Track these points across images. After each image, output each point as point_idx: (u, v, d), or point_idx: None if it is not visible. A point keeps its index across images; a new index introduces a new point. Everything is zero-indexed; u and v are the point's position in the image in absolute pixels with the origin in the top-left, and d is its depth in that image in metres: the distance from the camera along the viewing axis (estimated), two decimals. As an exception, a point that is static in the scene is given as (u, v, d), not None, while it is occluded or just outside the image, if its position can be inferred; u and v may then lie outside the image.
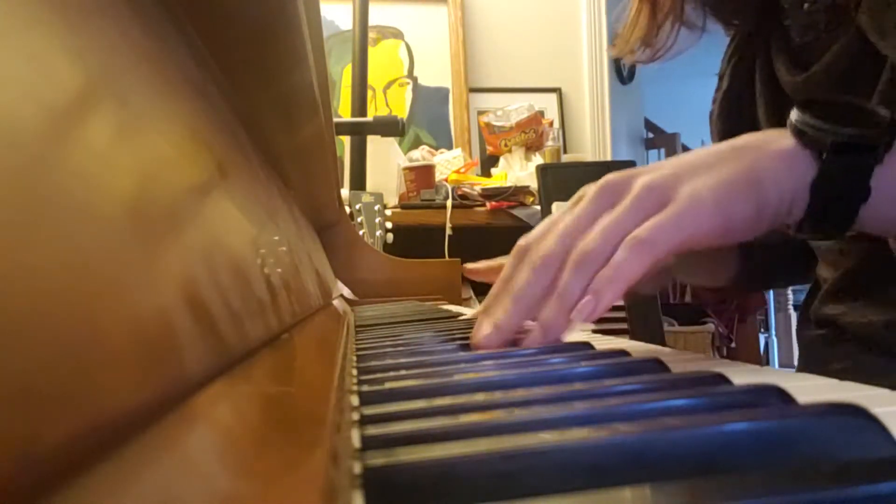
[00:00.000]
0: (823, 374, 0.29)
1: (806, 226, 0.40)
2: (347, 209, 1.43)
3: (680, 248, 0.37)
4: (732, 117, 0.67)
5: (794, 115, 0.41)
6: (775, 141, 0.41)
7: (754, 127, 0.64)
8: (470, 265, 0.59)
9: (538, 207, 1.92)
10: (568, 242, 0.39)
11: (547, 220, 0.43)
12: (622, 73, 2.77)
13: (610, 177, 0.41)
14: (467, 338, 0.44)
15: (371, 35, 2.22)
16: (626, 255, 0.37)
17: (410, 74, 2.48)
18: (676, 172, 0.39)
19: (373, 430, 0.19)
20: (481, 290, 1.66)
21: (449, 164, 2.14)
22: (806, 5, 0.58)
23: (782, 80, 0.61)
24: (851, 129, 0.39)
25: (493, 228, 1.90)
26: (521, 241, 0.43)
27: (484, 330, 0.40)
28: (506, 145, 2.24)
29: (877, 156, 0.39)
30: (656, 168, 0.40)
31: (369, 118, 1.77)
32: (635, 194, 0.39)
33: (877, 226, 0.42)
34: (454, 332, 0.49)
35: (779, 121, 0.61)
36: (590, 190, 0.41)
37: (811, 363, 0.65)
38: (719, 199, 0.38)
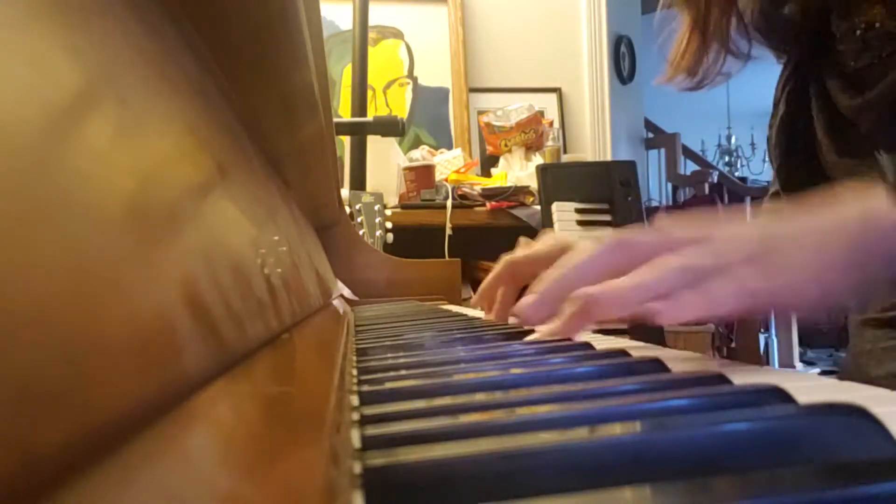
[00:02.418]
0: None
1: None
2: (347, 209, 1.43)
3: (768, 310, 0.36)
4: (791, 143, 0.67)
5: (892, 171, 0.39)
6: (872, 210, 0.38)
7: (813, 149, 0.64)
8: (474, 301, 0.58)
9: (538, 207, 1.92)
10: (652, 243, 0.38)
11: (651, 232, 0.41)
12: (622, 73, 2.77)
13: (696, 225, 0.39)
14: (468, 337, 0.44)
15: (371, 35, 2.22)
16: (724, 288, 0.35)
17: (410, 74, 2.48)
18: (771, 234, 0.37)
19: (373, 430, 0.19)
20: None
21: (449, 164, 2.14)
22: (858, 32, 0.58)
23: (839, 105, 0.61)
24: None
25: (493, 228, 1.90)
26: (619, 234, 0.41)
27: (526, 298, 0.39)
28: (506, 145, 2.24)
29: None
30: (747, 233, 0.38)
31: (369, 118, 1.77)
32: (737, 233, 0.37)
33: None
34: (454, 332, 0.49)
35: (839, 144, 0.62)
36: (677, 226, 0.39)
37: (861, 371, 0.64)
38: (819, 269, 0.36)
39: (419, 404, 0.22)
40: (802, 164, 0.66)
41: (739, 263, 0.36)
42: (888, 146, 0.56)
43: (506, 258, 0.58)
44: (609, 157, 2.54)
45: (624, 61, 2.77)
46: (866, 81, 0.58)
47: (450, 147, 2.38)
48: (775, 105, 0.68)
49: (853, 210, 0.39)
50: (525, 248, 0.58)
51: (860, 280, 0.37)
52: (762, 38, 0.66)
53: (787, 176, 0.68)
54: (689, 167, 4.75)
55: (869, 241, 0.37)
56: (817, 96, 0.64)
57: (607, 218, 1.83)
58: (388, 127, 1.60)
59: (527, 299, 0.38)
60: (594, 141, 2.56)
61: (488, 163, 2.33)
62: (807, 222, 0.39)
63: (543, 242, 0.62)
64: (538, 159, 2.17)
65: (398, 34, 2.48)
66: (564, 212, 1.81)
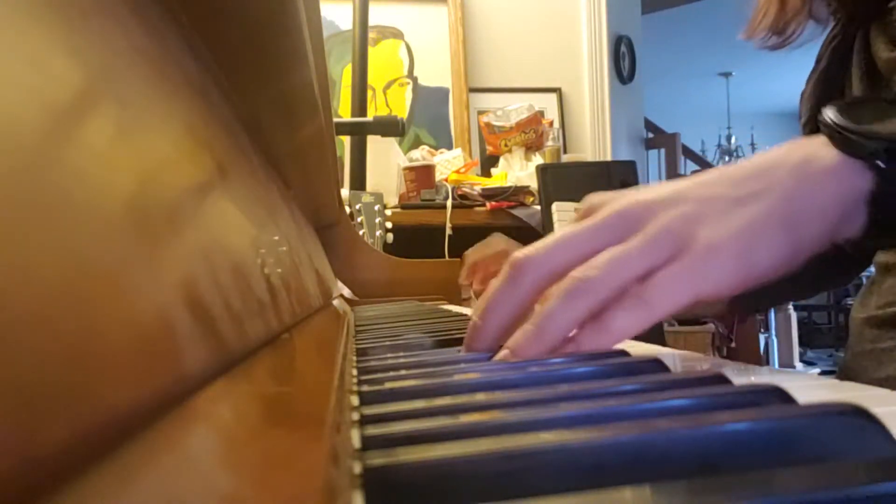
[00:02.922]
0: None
1: (868, 241, 0.37)
2: (347, 209, 1.43)
3: (685, 306, 0.34)
4: (825, 96, 0.66)
5: (830, 117, 0.38)
6: (813, 158, 0.37)
7: None
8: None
9: (538, 207, 1.92)
10: (565, 259, 0.36)
11: (549, 237, 0.39)
12: (622, 73, 2.77)
13: (628, 204, 0.37)
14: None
15: (371, 35, 2.22)
16: (622, 314, 0.34)
17: (410, 74, 2.48)
18: (697, 211, 0.35)
19: (373, 430, 0.19)
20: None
21: (449, 164, 2.14)
22: None
23: (879, 58, 0.60)
24: None
25: (493, 228, 1.90)
26: (518, 254, 0.39)
27: (465, 345, 0.38)
28: (506, 145, 2.24)
29: None
30: (676, 200, 0.36)
31: (369, 118, 1.77)
32: (651, 234, 0.35)
33: None
34: (454, 332, 0.49)
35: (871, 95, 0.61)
36: (603, 211, 0.38)
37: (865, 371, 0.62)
38: (741, 250, 0.35)
39: (419, 404, 0.22)
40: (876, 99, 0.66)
41: (647, 253, 0.34)
42: None
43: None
44: (609, 157, 2.54)
45: (624, 61, 2.77)
46: None
47: (450, 147, 2.38)
48: (818, 60, 0.68)
49: (781, 156, 0.38)
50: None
51: (793, 242, 0.35)
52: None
53: (812, 132, 0.68)
54: (689, 167, 4.75)
55: (802, 185, 0.36)
56: (859, 50, 0.63)
57: (607, 218, 1.83)
58: (388, 127, 1.60)
59: (466, 346, 0.37)
60: (594, 141, 2.56)
61: (488, 163, 2.33)
62: (733, 177, 0.37)
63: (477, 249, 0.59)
64: (538, 159, 2.17)
65: (398, 34, 2.48)
66: (564, 212, 1.81)
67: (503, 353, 0.34)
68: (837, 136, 0.37)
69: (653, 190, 0.38)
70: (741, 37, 0.71)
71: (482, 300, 0.38)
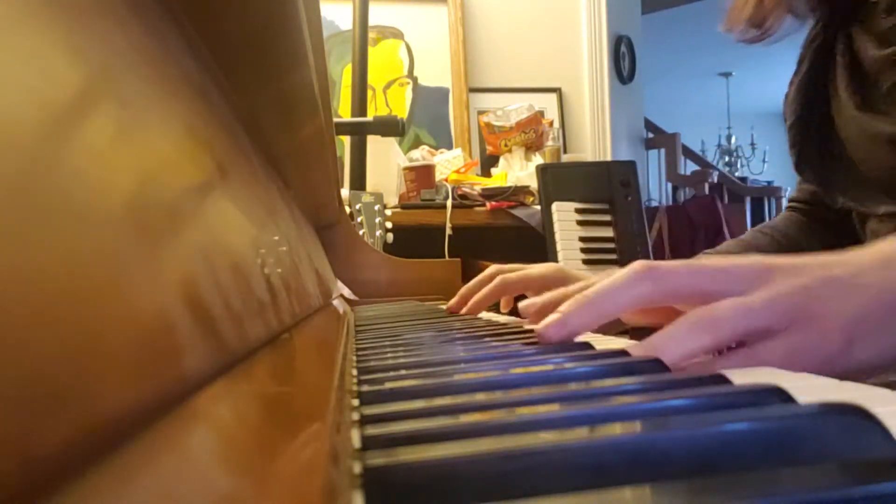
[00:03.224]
0: None
1: None
2: (347, 209, 1.43)
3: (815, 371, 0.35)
4: (807, 100, 0.66)
5: None
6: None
7: (828, 109, 0.64)
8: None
9: (538, 207, 1.92)
10: (693, 283, 0.37)
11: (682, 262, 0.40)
12: (622, 73, 2.77)
13: (758, 260, 0.38)
14: (468, 337, 0.44)
15: (371, 35, 2.22)
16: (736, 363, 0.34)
17: (410, 74, 2.48)
18: (818, 288, 0.36)
19: (373, 430, 0.19)
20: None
21: (449, 164, 2.14)
22: None
23: (866, 57, 0.60)
24: None
25: (493, 228, 1.90)
26: (646, 262, 0.40)
27: (551, 316, 0.39)
28: (506, 145, 2.24)
29: None
30: (797, 271, 0.37)
31: (369, 118, 1.77)
32: (775, 296, 0.35)
33: None
34: (454, 331, 0.49)
35: (858, 96, 0.61)
36: (725, 262, 0.38)
37: None
38: (848, 339, 0.35)
39: (419, 404, 0.22)
40: (816, 122, 0.65)
41: (770, 312, 0.35)
42: None
43: (499, 276, 0.58)
44: (609, 157, 2.54)
45: (624, 61, 2.77)
46: (893, 37, 0.58)
47: (450, 147, 2.38)
48: (799, 63, 0.68)
49: (875, 266, 0.37)
50: (519, 270, 0.59)
51: (891, 342, 0.35)
52: None
53: (798, 134, 0.67)
54: (689, 167, 4.75)
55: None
56: (842, 51, 0.63)
57: (607, 218, 1.83)
58: (388, 127, 1.60)
59: (550, 318, 0.38)
60: (594, 141, 2.56)
61: (488, 163, 2.33)
62: (851, 259, 0.37)
63: (539, 267, 0.63)
64: (538, 159, 2.17)
65: (398, 34, 2.48)
66: (564, 212, 1.81)
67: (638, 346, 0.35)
68: None
69: (776, 258, 0.39)
70: (720, 28, 0.71)
71: (596, 286, 0.39)
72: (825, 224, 0.79)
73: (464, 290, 0.69)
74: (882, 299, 0.35)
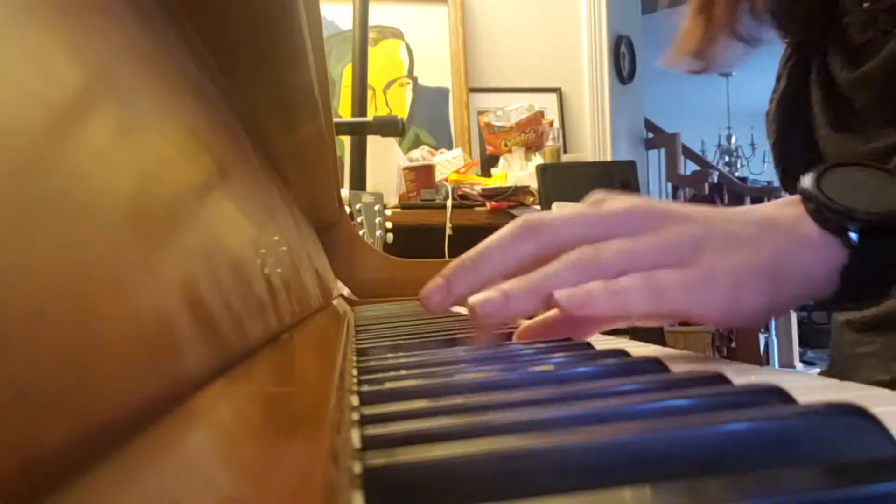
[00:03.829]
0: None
1: (833, 305, 0.39)
2: (347, 209, 1.43)
3: (678, 315, 0.35)
4: (788, 117, 0.66)
5: (807, 188, 0.39)
6: (800, 224, 0.38)
7: (809, 128, 0.64)
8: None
9: (538, 207, 1.92)
10: (576, 234, 0.37)
11: (562, 211, 0.40)
12: (622, 73, 2.77)
13: (644, 203, 0.39)
14: (468, 338, 0.44)
15: (371, 35, 2.22)
16: (636, 287, 0.34)
17: (410, 74, 2.48)
18: (704, 235, 0.37)
19: (373, 430, 0.19)
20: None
21: (449, 164, 2.14)
22: (866, 4, 0.58)
23: (837, 77, 0.60)
24: (878, 207, 0.37)
25: (493, 228, 1.88)
26: (532, 215, 0.39)
27: (433, 282, 0.38)
28: (506, 145, 2.24)
29: None
30: (687, 218, 0.38)
31: (369, 118, 1.77)
32: (664, 239, 0.36)
33: None
34: (454, 332, 0.49)
35: (833, 118, 0.61)
36: (617, 203, 0.39)
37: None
38: (736, 285, 0.36)
39: (419, 404, 0.22)
40: (798, 140, 0.65)
41: (652, 257, 0.36)
42: (882, 119, 0.56)
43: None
44: (609, 157, 2.54)
45: (624, 61, 2.77)
46: (866, 55, 0.57)
47: (450, 147, 2.38)
48: (778, 80, 0.68)
49: (779, 214, 0.39)
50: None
51: (772, 298, 0.37)
52: (772, 20, 0.65)
53: (782, 152, 0.67)
54: (689, 167, 4.75)
55: (788, 245, 0.37)
56: (817, 70, 0.63)
57: (607, 218, 1.83)
58: (388, 127, 1.60)
59: (433, 283, 0.37)
60: (594, 141, 2.56)
61: (488, 163, 2.33)
62: (735, 220, 0.38)
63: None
64: (538, 159, 2.17)
65: (398, 34, 2.48)
66: (564, 212, 1.81)
67: (482, 296, 0.35)
68: (813, 210, 0.38)
69: (663, 202, 0.40)
70: (660, 63, 0.70)
71: (477, 247, 0.39)
72: None
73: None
74: (757, 259, 0.37)
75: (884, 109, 0.56)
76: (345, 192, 1.53)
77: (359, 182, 1.87)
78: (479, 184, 2.04)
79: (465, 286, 0.37)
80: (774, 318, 0.38)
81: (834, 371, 0.64)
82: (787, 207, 0.39)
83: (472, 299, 0.35)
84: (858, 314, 0.62)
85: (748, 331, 2.65)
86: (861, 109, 0.58)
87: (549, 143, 2.27)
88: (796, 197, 0.40)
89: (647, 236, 0.37)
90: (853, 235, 0.37)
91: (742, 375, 0.25)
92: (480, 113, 2.37)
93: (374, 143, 1.92)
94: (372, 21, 2.07)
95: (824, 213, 0.38)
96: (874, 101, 0.57)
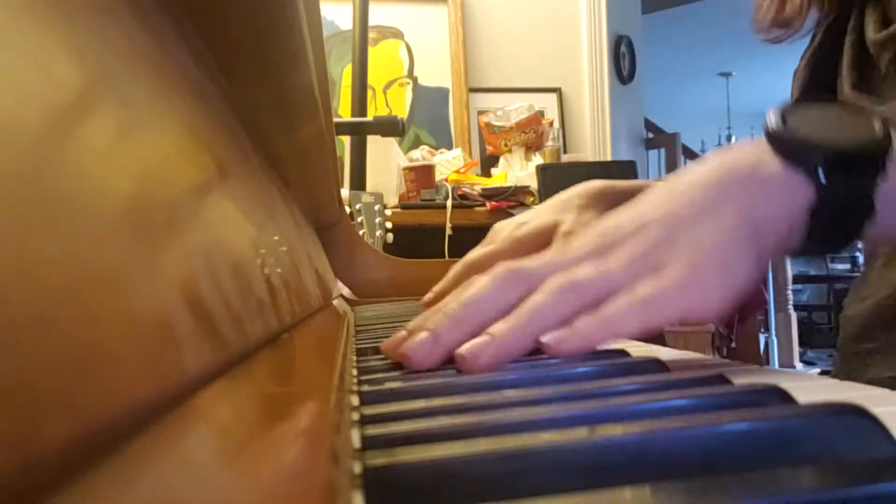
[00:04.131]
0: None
1: (806, 250, 0.36)
2: (347, 209, 1.43)
3: (678, 320, 0.33)
4: (817, 73, 0.65)
5: (771, 122, 0.36)
6: (760, 166, 0.35)
7: (833, 87, 0.62)
8: (426, 299, 0.53)
9: (538, 207, 1.92)
10: (544, 268, 0.35)
11: (502, 237, 0.38)
12: (622, 73, 2.77)
13: (602, 227, 0.36)
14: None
15: (371, 35, 2.22)
16: (626, 309, 0.32)
17: (410, 74, 2.48)
18: (666, 235, 0.34)
19: (373, 430, 0.19)
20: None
21: (449, 164, 2.14)
22: None
23: (868, 39, 0.59)
24: (846, 139, 0.35)
25: (493, 228, 1.90)
26: (512, 265, 0.36)
27: (417, 336, 0.34)
28: (506, 145, 2.24)
29: (878, 168, 0.34)
30: (640, 225, 0.35)
31: (369, 118, 1.77)
32: (632, 251, 0.34)
33: (883, 236, 0.37)
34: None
35: (857, 78, 0.60)
36: (580, 239, 0.37)
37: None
38: (721, 265, 0.34)
39: (419, 404, 0.22)
40: (821, 98, 0.63)
41: (628, 273, 0.34)
42: None
43: (463, 260, 0.54)
44: (609, 157, 2.54)
45: (624, 61, 2.77)
46: None
47: (450, 147, 2.38)
48: (813, 37, 0.67)
49: (731, 162, 0.36)
50: (481, 247, 0.55)
51: (758, 255, 0.34)
52: None
53: None
54: (689, 167, 4.74)
55: (754, 196, 0.35)
56: (852, 35, 0.62)
57: (607, 218, 1.83)
58: (388, 127, 1.60)
59: (419, 337, 0.34)
60: (594, 141, 2.56)
61: (488, 163, 2.33)
62: (690, 189, 0.36)
63: (496, 238, 0.60)
64: (538, 159, 2.17)
65: (398, 34, 2.48)
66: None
67: (481, 341, 0.32)
68: (777, 143, 0.36)
69: (612, 217, 0.37)
70: (753, 29, 0.70)
71: (461, 296, 0.36)
72: None
73: (435, 289, 0.64)
74: (725, 223, 0.34)
75: None
76: (345, 192, 1.53)
77: (359, 182, 1.87)
78: (479, 184, 2.04)
79: (453, 339, 0.34)
80: (763, 270, 0.35)
81: (841, 368, 0.63)
82: (741, 152, 0.37)
83: (460, 349, 0.33)
84: (860, 310, 0.61)
85: (748, 331, 2.65)
86: (885, 73, 0.57)
87: (549, 143, 2.27)
88: (744, 143, 0.37)
89: (616, 252, 0.35)
90: (821, 173, 0.34)
91: (742, 375, 0.25)
92: (480, 113, 2.37)
93: (374, 143, 1.92)
94: (372, 21, 2.07)
95: (791, 147, 0.35)
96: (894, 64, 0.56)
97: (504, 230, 0.59)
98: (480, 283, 0.36)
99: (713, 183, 0.36)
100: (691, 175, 0.37)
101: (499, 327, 0.33)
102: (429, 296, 0.52)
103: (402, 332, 0.36)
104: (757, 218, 0.34)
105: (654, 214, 0.36)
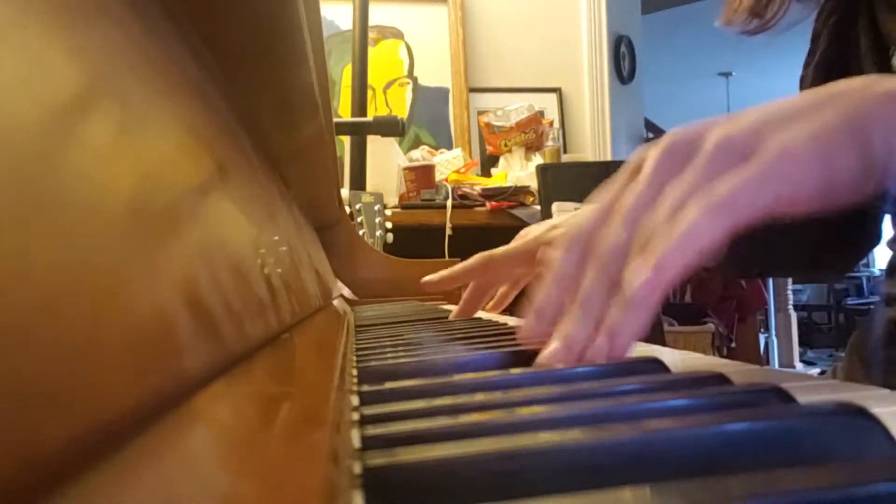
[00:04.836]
0: None
1: None
2: (347, 209, 1.43)
3: (769, 212, 0.29)
4: (832, 79, 0.63)
5: None
6: (880, 82, 0.32)
7: None
8: (426, 277, 0.51)
9: (538, 207, 1.92)
10: (634, 226, 0.32)
11: (600, 202, 0.35)
12: (622, 73, 2.77)
13: (675, 134, 0.33)
14: (468, 338, 0.44)
15: (371, 35, 2.22)
16: (699, 218, 0.28)
17: (410, 74, 2.48)
18: (760, 122, 0.31)
19: (373, 430, 0.19)
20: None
21: (449, 164, 2.14)
22: None
23: (883, 27, 0.55)
24: None
25: (493, 228, 1.90)
26: (574, 232, 0.34)
27: (553, 346, 0.32)
28: (506, 145, 2.24)
29: None
30: (732, 120, 0.32)
31: (369, 118, 1.77)
32: (709, 151, 0.31)
33: None
34: (454, 332, 0.49)
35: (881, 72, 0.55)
36: (650, 154, 0.33)
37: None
38: (819, 150, 0.30)
39: (419, 404, 0.22)
40: None
41: (715, 167, 0.30)
42: None
43: (481, 253, 0.53)
44: (609, 157, 2.54)
45: (624, 61, 2.77)
46: None
47: (450, 147, 2.38)
48: (814, 40, 0.62)
49: (849, 82, 0.33)
50: (504, 248, 0.54)
51: (863, 157, 0.30)
52: None
53: None
54: (689, 167, 4.74)
55: (867, 103, 0.31)
56: (867, 28, 0.58)
57: (607, 218, 1.83)
58: (388, 127, 1.60)
59: (552, 347, 0.32)
60: (594, 141, 2.56)
61: (488, 163, 2.33)
62: (795, 99, 0.33)
63: (520, 239, 0.59)
64: (538, 159, 2.17)
65: (398, 34, 2.48)
66: (565, 212, 1.81)
67: (601, 341, 0.30)
68: None
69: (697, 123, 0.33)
70: (719, 22, 0.64)
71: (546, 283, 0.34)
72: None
73: (446, 272, 0.60)
74: (831, 119, 0.31)
75: None
76: (345, 192, 1.53)
77: (359, 182, 1.87)
78: (479, 184, 2.04)
79: (583, 341, 0.32)
80: (870, 190, 0.31)
81: (857, 372, 0.60)
82: (858, 78, 0.33)
83: (541, 359, 0.32)
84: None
85: (748, 331, 2.65)
86: None
87: (549, 143, 2.27)
88: (869, 75, 0.34)
89: (693, 163, 0.31)
90: None
91: (742, 375, 0.25)
92: (480, 113, 2.37)
93: (374, 143, 1.92)
94: (372, 21, 2.07)
95: None
96: None
97: (532, 232, 0.58)
98: (587, 280, 0.33)
99: (820, 93, 0.33)
100: (797, 95, 0.34)
101: (567, 329, 0.32)
102: (434, 277, 0.50)
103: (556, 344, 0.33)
104: (865, 121, 0.31)
105: (747, 112, 0.33)
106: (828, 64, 0.61)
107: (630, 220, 0.32)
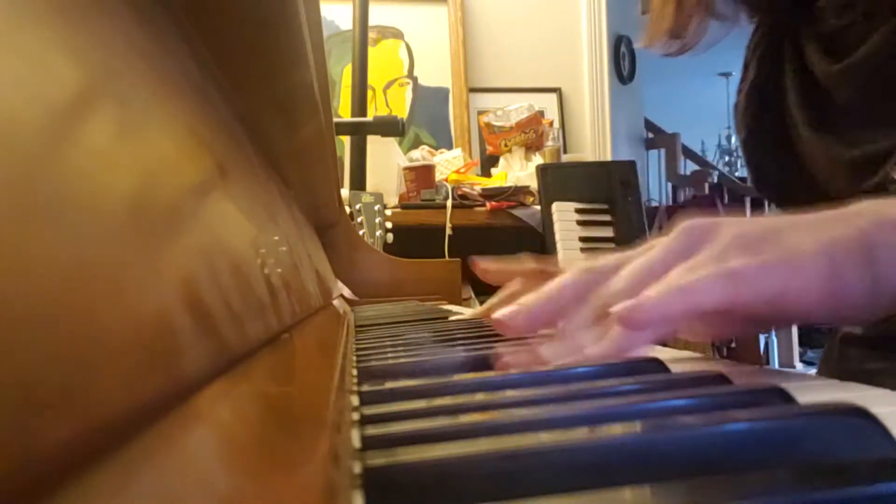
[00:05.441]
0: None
1: None
2: (347, 209, 1.43)
3: (776, 301, 0.30)
4: (759, 110, 0.61)
5: None
6: (887, 210, 0.33)
7: (783, 120, 0.59)
8: (483, 264, 0.50)
9: (538, 207, 1.92)
10: (636, 280, 0.33)
11: (615, 255, 0.36)
12: (622, 73, 2.77)
13: (692, 221, 0.34)
14: (467, 338, 0.44)
15: (371, 35, 2.22)
16: (707, 278, 0.29)
17: (410, 74, 2.48)
18: (775, 225, 0.32)
19: (373, 430, 0.19)
20: (481, 290, 1.66)
21: (449, 164, 2.14)
22: None
23: (816, 69, 0.56)
24: None
25: (493, 228, 1.90)
26: (583, 265, 0.36)
27: (513, 308, 0.35)
28: (506, 145, 2.24)
29: None
30: (747, 220, 0.33)
31: (369, 118, 1.77)
32: (725, 240, 0.31)
33: None
34: (454, 332, 0.49)
35: (811, 112, 0.56)
36: (667, 236, 0.34)
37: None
38: (830, 256, 0.30)
39: (419, 404, 0.22)
40: (772, 136, 0.60)
41: (722, 254, 0.31)
42: (867, 120, 0.51)
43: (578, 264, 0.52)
44: (609, 157, 2.54)
45: (624, 61, 2.77)
46: (847, 45, 0.53)
47: (450, 147, 2.38)
48: (745, 68, 0.63)
49: (860, 204, 0.34)
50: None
51: (873, 276, 0.31)
52: None
53: (753, 149, 0.62)
54: (689, 167, 4.75)
55: (878, 226, 0.32)
56: (791, 64, 0.58)
57: (607, 218, 1.83)
58: (388, 127, 1.60)
59: (509, 308, 0.35)
60: (594, 141, 2.56)
61: (488, 163, 2.33)
62: (807, 214, 0.33)
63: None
64: (538, 159, 2.17)
65: (398, 34, 2.48)
66: (564, 212, 1.82)
67: (597, 349, 0.31)
68: None
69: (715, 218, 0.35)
70: (639, 45, 0.64)
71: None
72: None
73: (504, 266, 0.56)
74: (846, 233, 0.32)
75: (868, 108, 0.52)
76: (345, 192, 1.53)
77: (359, 182, 1.87)
78: (479, 184, 2.04)
79: (541, 314, 0.36)
80: (877, 314, 0.32)
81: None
82: (871, 201, 0.34)
83: (497, 314, 0.34)
84: (859, 332, 0.58)
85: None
86: (842, 107, 0.54)
87: (549, 143, 2.27)
88: (862, 202, 0.34)
89: (708, 247, 0.32)
90: None
91: (742, 375, 0.25)
92: (480, 113, 2.37)
93: (374, 143, 1.92)
94: (372, 21, 2.07)
95: None
96: (857, 99, 0.53)
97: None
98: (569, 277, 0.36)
99: (831, 212, 0.33)
100: (803, 215, 0.34)
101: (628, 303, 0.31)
102: (484, 308, 0.51)
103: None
104: (876, 241, 0.31)
105: (759, 218, 0.34)
106: (759, 92, 0.62)
107: (633, 274, 0.33)
